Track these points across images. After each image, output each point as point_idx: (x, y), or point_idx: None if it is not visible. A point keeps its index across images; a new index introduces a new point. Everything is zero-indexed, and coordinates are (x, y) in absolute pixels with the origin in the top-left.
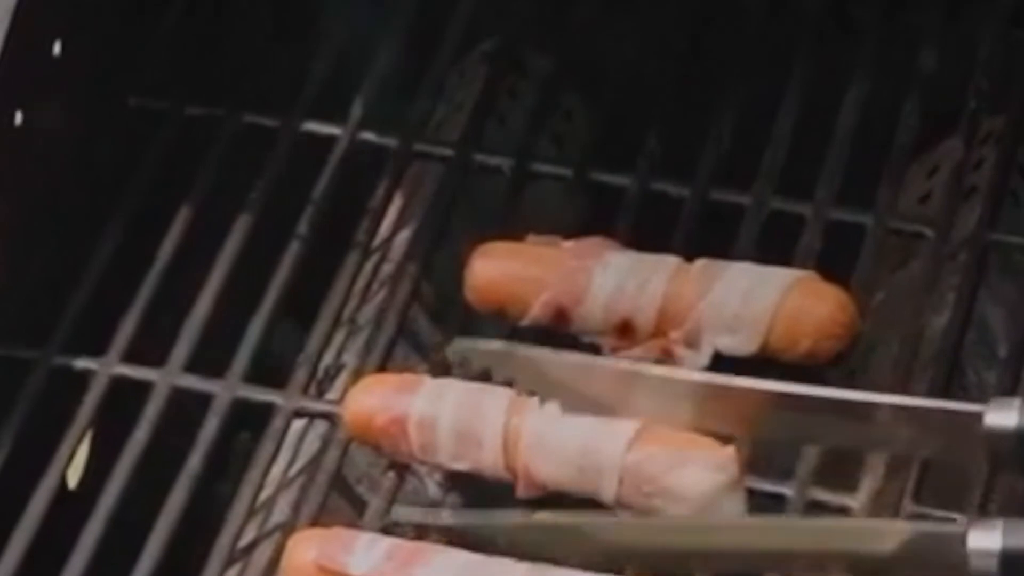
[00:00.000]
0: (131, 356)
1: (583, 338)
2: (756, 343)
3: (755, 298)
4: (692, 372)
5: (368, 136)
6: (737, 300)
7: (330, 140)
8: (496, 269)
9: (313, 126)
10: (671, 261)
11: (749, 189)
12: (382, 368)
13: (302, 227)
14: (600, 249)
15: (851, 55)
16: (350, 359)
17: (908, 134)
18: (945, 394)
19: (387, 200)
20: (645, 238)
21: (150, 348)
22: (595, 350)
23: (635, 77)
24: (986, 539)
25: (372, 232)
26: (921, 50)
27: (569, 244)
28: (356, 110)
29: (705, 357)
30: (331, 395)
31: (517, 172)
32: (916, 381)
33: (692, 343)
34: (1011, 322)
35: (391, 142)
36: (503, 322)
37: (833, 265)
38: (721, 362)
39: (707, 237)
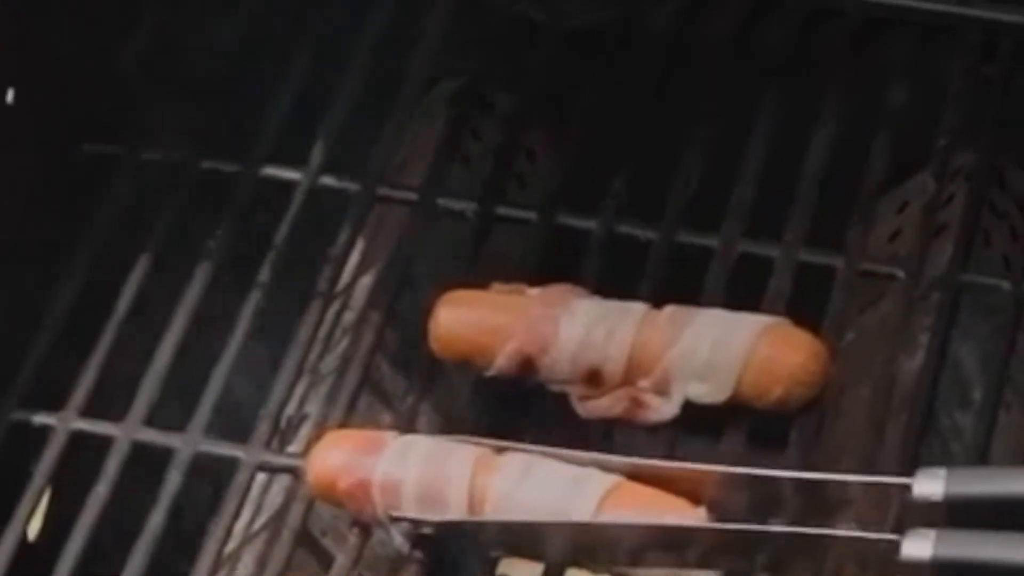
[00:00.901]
0: (90, 410)
1: (550, 387)
2: (727, 391)
3: (725, 346)
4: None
5: (329, 181)
6: (707, 348)
7: (290, 185)
8: (461, 318)
9: (272, 171)
10: (639, 308)
11: (717, 231)
12: (346, 420)
13: (263, 275)
14: (566, 296)
15: (818, 93)
16: (313, 409)
17: (877, 173)
18: (919, 440)
19: (349, 246)
20: (612, 282)
21: (109, 402)
22: (563, 399)
23: (600, 116)
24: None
25: (334, 279)
26: (890, 87)
27: (535, 291)
28: (317, 154)
29: (675, 405)
30: (294, 447)
31: (481, 216)
32: (889, 427)
33: (662, 391)
34: (984, 364)
35: (353, 186)
36: (469, 371)
37: (803, 306)
38: (691, 410)
39: (675, 280)
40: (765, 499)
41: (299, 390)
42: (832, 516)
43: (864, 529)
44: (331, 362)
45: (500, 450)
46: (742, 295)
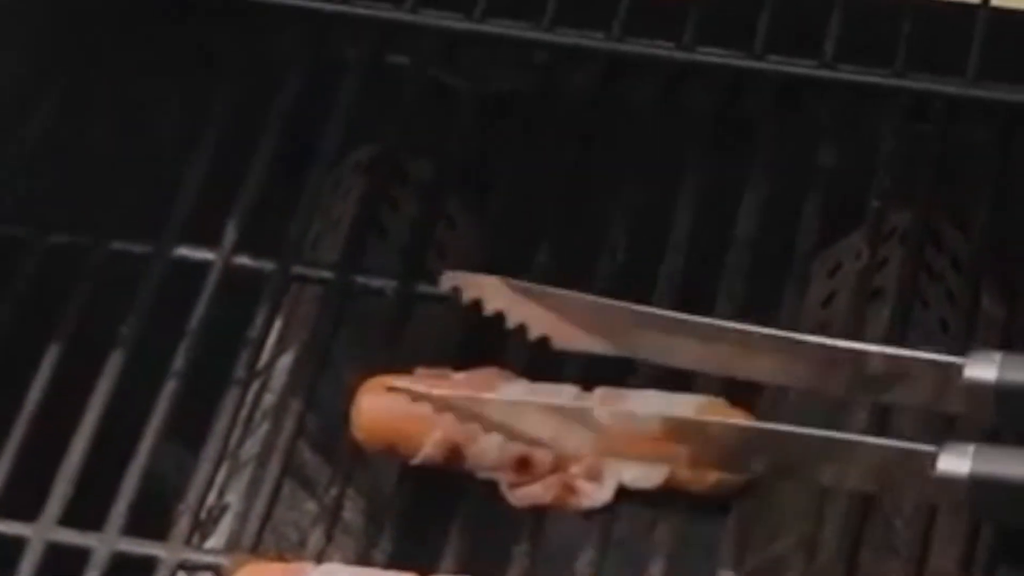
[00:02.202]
0: (1, 511)
1: (479, 474)
2: (662, 475)
3: None
4: None
5: (244, 260)
6: None
7: (204, 266)
8: (384, 406)
9: (185, 251)
10: (568, 391)
11: (647, 304)
12: (269, 510)
13: (178, 363)
14: (493, 380)
15: (746, 155)
16: (234, 500)
17: (810, 238)
18: (866, 511)
19: (267, 329)
20: (539, 360)
21: (21, 501)
22: (492, 486)
23: (522, 183)
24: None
25: (252, 364)
26: (820, 147)
27: (460, 376)
28: (230, 232)
29: (608, 491)
30: (215, 539)
31: (401, 295)
32: (830, 504)
33: (594, 477)
34: (926, 433)
35: (268, 266)
36: (395, 458)
37: (737, 380)
38: (626, 494)
39: (605, 357)
40: None
41: (219, 478)
42: None
43: None
44: (251, 448)
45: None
46: (675, 371)
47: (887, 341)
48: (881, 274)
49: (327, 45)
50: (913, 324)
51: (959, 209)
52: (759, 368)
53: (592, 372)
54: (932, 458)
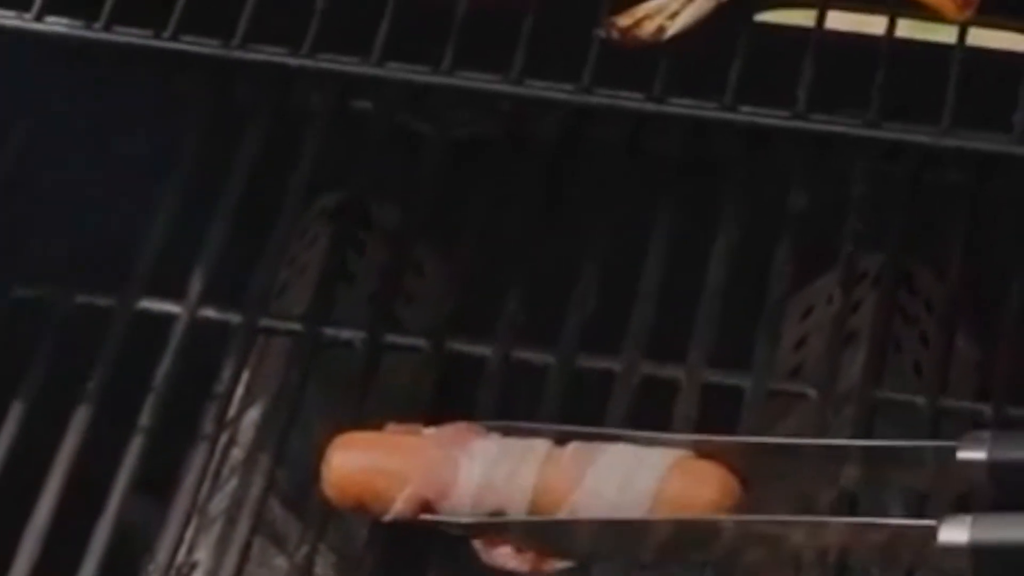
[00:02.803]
0: None
1: (451, 531)
2: None
3: (632, 485)
4: None
5: (210, 313)
6: (613, 488)
7: (169, 319)
8: (354, 463)
9: (149, 304)
10: (541, 446)
11: (618, 353)
12: (239, 567)
13: (144, 418)
14: (464, 436)
15: (717, 200)
16: (203, 557)
17: (781, 283)
18: (843, 567)
19: (234, 383)
20: (509, 411)
21: None
22: (465, 542)
23: (490, 229)
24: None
25: (220, 419)
26: (790, 191)
27: (431, 431)
28: (195, 283)
29: None
30: None
31: (370, 346)
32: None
33: None
34: None
35: (235, 318)
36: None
37: (711, 427)
38: None
39: (576, 407)
40: None
41: (188, 535)
42: None
43: None
44: (220, 503)
45: None
46: (647, 421)
47: (862, 393)
48: (854, 317)
49: (292, 92)
50: (887, 368)
51: (932, 252)
52: None
53: (562, 419)
54: (933, 531)
